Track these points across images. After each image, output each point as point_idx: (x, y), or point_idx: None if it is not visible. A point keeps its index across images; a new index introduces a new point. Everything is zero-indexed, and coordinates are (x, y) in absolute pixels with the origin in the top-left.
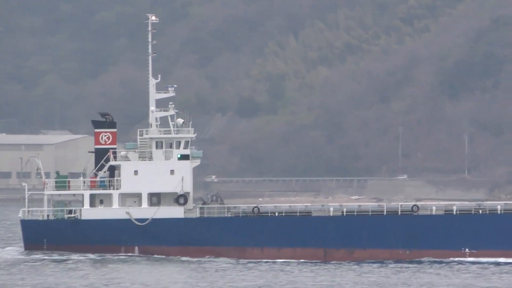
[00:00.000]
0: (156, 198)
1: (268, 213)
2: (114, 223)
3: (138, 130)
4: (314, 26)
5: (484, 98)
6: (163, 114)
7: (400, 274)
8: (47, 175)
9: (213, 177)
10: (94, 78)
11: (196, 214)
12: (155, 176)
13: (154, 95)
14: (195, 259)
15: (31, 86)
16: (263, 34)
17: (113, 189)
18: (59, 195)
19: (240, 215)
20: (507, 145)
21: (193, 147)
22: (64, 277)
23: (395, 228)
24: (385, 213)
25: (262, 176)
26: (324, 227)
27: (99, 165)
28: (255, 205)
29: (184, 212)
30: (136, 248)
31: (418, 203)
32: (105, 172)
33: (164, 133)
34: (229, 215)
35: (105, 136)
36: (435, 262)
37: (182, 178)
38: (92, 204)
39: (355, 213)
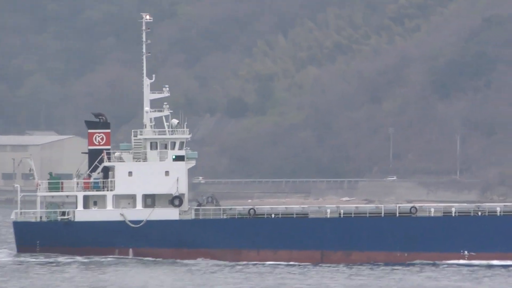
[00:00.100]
0: (150, 200)
1: (264, 214)
2: (108, 225)
3: (133, 130)
4: (303, 25)
5: (476, 98)
6: (157, 114)
7: (390, 276)
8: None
9: (200, 178)
10: (80, 78)
11: (191, 215)
12: (150, 177)
13: (148, 95)
14: (185, 261)
15: (16, 86)
16: (252, 34)
17: (107, 190)
18: (52, 196)
19: (236, 217)
20: (499, 145)
21: (188, 148)
22: (50, 279)
23: (393, 230)
24: (383, 215)
25: (251, 177)
26: (321, 229)
27: (92, 166)
28: (251, 206)
29: (179, 214)
30: (131, 250)
31: (416, 205)
32: (99, 173)
33: (158, 134)
34: (224, 217)
35: (98, 136)
36: (428, 264)
37: (177, 180)
38: (85, 206)
39: (353, 215)
